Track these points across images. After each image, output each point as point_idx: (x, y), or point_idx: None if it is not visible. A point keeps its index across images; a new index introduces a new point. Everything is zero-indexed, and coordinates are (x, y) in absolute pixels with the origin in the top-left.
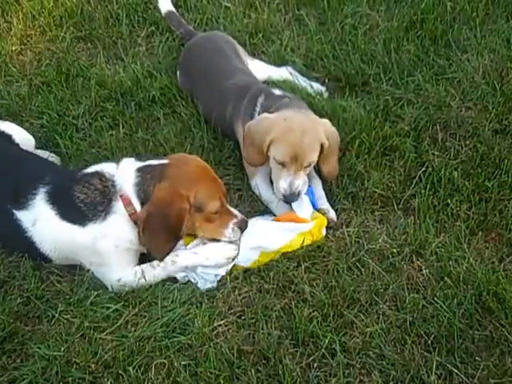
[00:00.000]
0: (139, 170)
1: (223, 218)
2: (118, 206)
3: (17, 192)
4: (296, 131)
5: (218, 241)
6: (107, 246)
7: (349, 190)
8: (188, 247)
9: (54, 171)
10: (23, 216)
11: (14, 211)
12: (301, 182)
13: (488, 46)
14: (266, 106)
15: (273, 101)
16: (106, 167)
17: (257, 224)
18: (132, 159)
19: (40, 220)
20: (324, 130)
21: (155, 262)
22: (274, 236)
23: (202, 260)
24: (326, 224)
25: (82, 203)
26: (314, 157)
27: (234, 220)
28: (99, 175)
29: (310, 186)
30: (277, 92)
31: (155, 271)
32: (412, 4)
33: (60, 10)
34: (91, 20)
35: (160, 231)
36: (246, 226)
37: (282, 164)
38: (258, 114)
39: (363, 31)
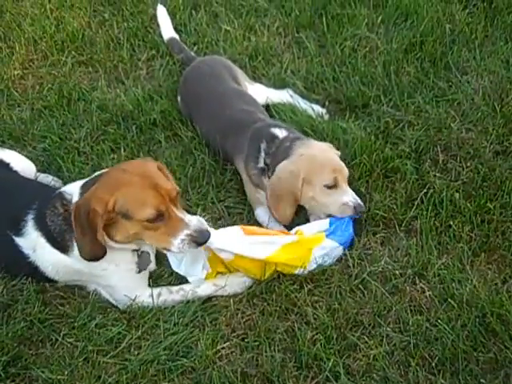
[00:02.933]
0: (82, 186)
1: (170, 226)
2: None
3: (14, 219)
4: (320, 154)
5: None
6: (104, 267)
7: None
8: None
9: (43, 196)
10: (23, 243)
11: (14, 238)
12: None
13: (487, 67)
14: (269, 152)
15: (276, 147)
16: (69, 188)
17: (235, 238)
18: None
19: (37, 247)
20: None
21: (174, 288)
22: (256, 248)
23: (220, 291)
24: (319, 244)
25: (54, 232)
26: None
27: (186, 231)
28: (61, 199)
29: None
30: (277, 132)
31: (172, 296)
32: (411, 26)
33: (62, 34)
34: (92, 44)
35: (84, 228)
36: (203, 239)
37: (334, 185)
38: (264, 162)
39: (363, 54)
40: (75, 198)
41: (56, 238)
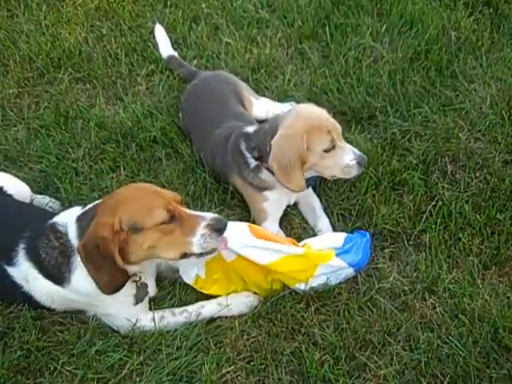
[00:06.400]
0: (78, 219)
1: (186, 225)
2: (78, 260)
3: (4, 248)
4: (312, 116)
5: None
6: (101, 298)
7: (357, 226)
8: None
9: (35, 224)
10: (15, 273)
11: (6, 267)
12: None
13: (494, 75)
14: (253, 147)
15: (256, 138)
16: (61, 219)
17: (240, 237)
18: (79, 208)
19: (30, 278)
20: None
21: (177, 310)
22: (259, 252)
23: (225, 311)
24: (325, 262)
25: (49, 265)
26: None
27: (203, 223)
28: (54, 230)
29: (366, 232)
30: (248, 129)
31: (175, 318)
32: (416, 35)
33: (58, 51)
34: (90, 60)
35: (100, 263)
36: (223, 226)
37: (333, 147)
38: (254, 158)
39: (367, 63)
40: (71, 233)
41: (51, 270)
